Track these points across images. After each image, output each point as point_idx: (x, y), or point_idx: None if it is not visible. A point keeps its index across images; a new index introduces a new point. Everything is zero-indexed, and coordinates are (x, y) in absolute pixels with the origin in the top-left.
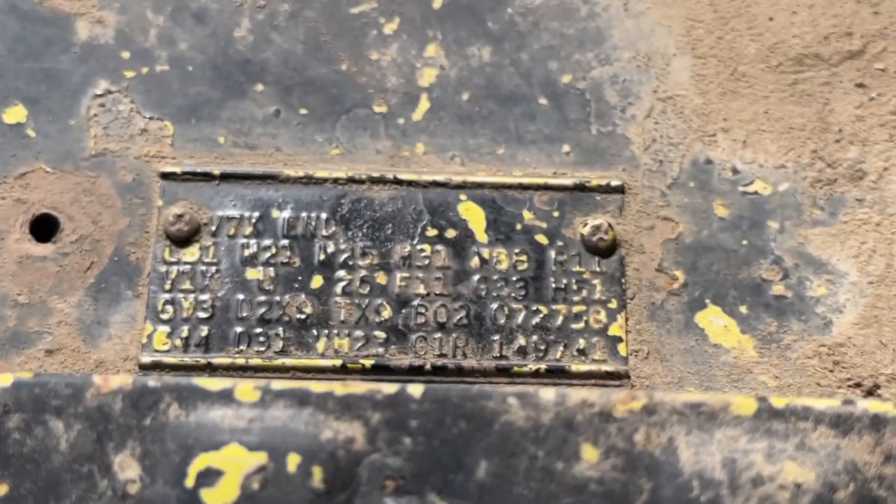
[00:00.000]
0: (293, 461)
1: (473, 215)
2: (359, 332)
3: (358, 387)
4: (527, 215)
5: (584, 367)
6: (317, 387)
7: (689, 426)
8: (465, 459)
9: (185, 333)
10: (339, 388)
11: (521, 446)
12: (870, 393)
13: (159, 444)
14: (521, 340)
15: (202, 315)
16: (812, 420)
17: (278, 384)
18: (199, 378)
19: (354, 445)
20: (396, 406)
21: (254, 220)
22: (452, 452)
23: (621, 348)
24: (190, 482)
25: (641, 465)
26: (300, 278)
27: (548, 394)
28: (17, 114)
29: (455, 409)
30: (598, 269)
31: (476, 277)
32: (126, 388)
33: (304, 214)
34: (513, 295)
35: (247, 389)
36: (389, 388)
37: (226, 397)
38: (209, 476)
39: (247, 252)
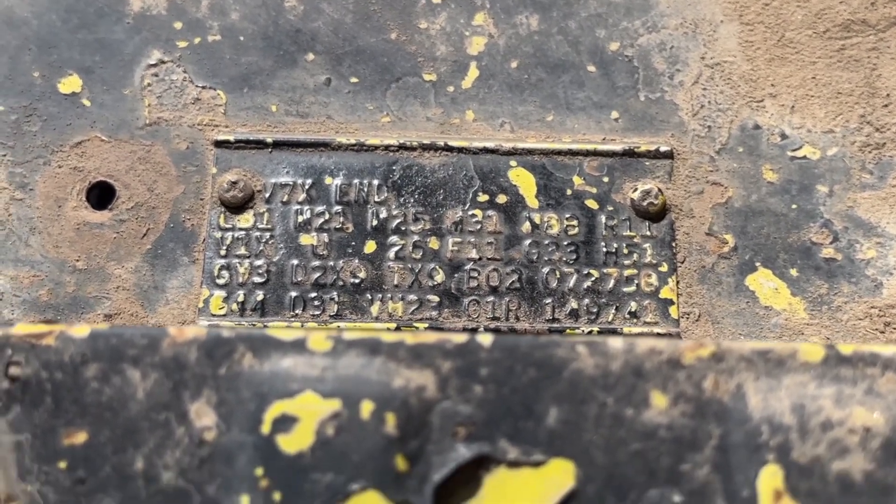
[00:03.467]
0: (366, 408)
1: (524, 181)
2: (412, 296)
3: (428, 336)
4: (577, 181)
5: (636, 330)
6: (388, 336)
7: (757, 373)
8: (534, 406)
9: (240, 298)
10: (409, 337)
11: (591, 393)
12: None
13: (234, 393)
14: (573, 303)
15: (257, 280)
16: (880, 366)
17: (350, 334)
18: (272, 328)
19: (426, 393)
20: (466, 354)
21: (307, 187)
22: (522, 400)
23: (672, 311)
24: (266, 429)
25: (710, 411)
26: (353, 243)
27: (616, 342)
28: (72, 84)
29: (524, 357)
30: (648, 233)
31: (527, 242)
32: (201, 338)
33: (356, 181)
34: (564, 259)
35: (319, 339)
36: (459, 338)
37: (298, 347)
38: (284, 422)
39: (300, 218)
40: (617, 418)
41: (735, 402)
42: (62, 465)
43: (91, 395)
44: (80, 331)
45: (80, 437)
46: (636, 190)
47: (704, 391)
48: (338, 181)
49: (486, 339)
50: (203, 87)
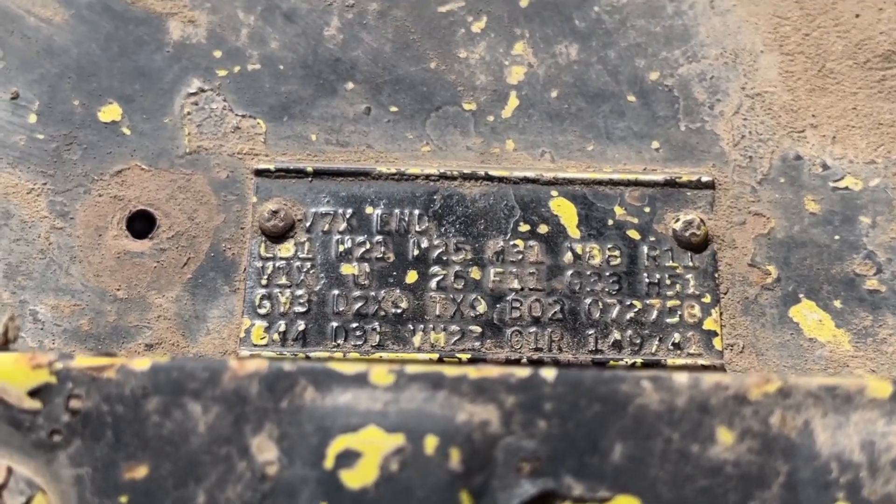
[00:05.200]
0: (430, 443)
1: (565, 211)
2: (454, 327)
3: (491, 371)
4: (618, 211)
5: (679, 361)
6: (450, 371)
7: (825, 409)
8: (599, 442)
9: (282, 328)
10: (472, 371)
11: (656, 429)
12: None
13: (296, 427)
14: (616, 335)
15: (299, 309)
16: None
17: (412, 368)
18: (334, 362)
19: (490, 428)
20: (530, 389)
21: (347, 216)
22: (587, 435)
23: (716, 342)
24: (329, 463)
25: (777, 447)
26: (395, 273)
27: (681, 377)
28: (112, 112)
29: (588, 391)
30: (690, 263)
31: (569, 272)
32: (262, 371)
33: (397, 210)
34: (606, 290)
35: (381, 373)
36: (522, 372)
37: (360, 380)
38: (348, 457)
39: (341, 247)
40: (683, 454)
41: (803, 438)
42: (123, 499)
43: (152, 428)
44: (141, 364)
45: (141, 472)
46: (678, 220)
47: (771, 427)
48: (378, 210)
49: (549, 374)
50: (243, 116)
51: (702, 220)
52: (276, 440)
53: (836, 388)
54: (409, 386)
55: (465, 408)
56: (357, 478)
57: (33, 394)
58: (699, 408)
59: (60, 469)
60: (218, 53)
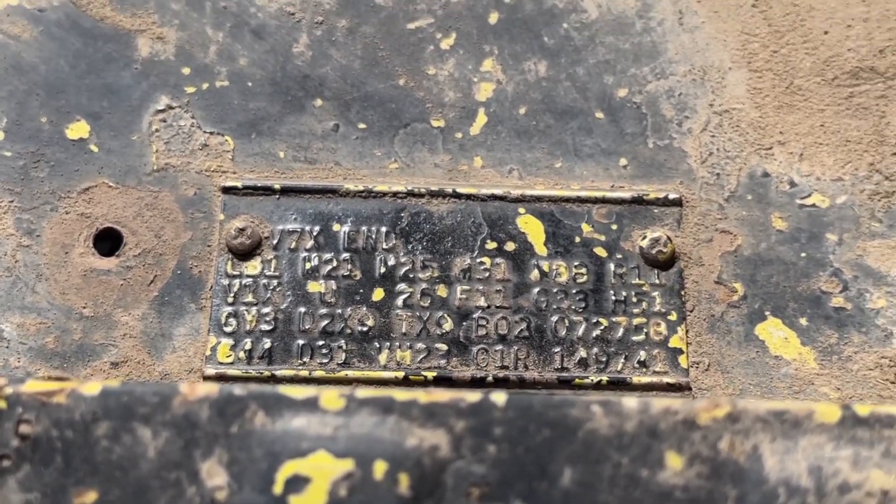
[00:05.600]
0: (380, 468)
1: (532, 228)
2: (420, 345)
3: (441, 395)
4: (585, 228)
5: (645, 379)
6: (400, 395)
7: (774, 434)
8: (549, 467)
9: (248, 346)
10: (422, 395)
11: (605, 454)
12: None
13: (246, 452)
14: (582, 352)
15: (265, 327)
16: None
17: (363, 392)
18: (284, 386)
19: (439, 453)
20: (480, 414)
21: (315, 234)
22: (537, 460)
23: (682, 360)
24: (278, 489)
25: (726, 472)
26: (361, 291)
27: (631, 402)
28: (79, 129)
29: (538, 416)
30: (657, 281)
31: (536, 290)
32: (212, 396)
33: (364, 228)
34: (573, 307)
35: (332, 397)
36: (473, 396)
37: (311, 405)
38: (297, 483)
39: (308, 265)
40: (632, 479)
41: (751, 463)
42: None
43: (102, 453)
44: (91, 388)
45: (91, 497)
46: (645, 238)
47: (720, 452)
48: (346, 228)
49: (499, 398)
50: (211, 133)
51: (668, 238)
52: (226, 465)
53: (785, 412)
54: (359, 411)
55: (414, 432)
56: (306, 503)
57: None
58: (648, 432)
59: (9, 494)
60: (186, 70)
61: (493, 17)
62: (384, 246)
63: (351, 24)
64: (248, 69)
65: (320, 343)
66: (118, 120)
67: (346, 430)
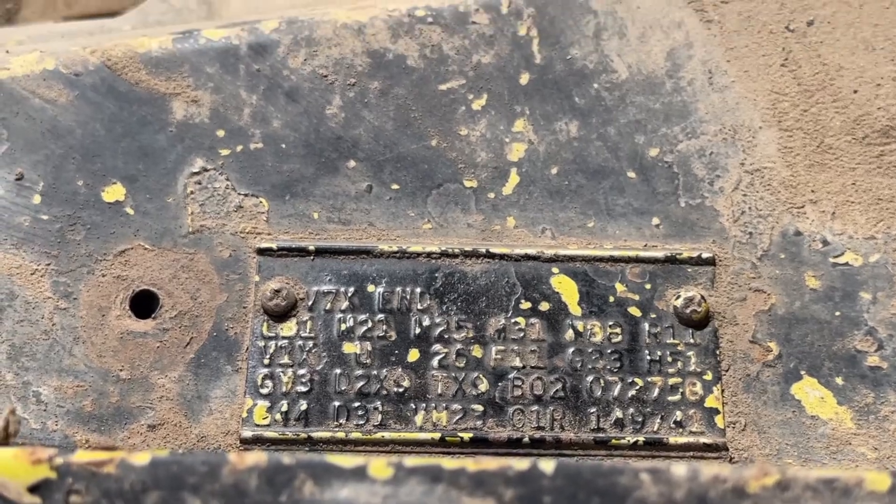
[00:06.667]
0: None
1: (566, 288)
2: (456, 406)
3: (490, 463)
4: (619, 287)
5: (681, 440)
6: (449, 464)
7: (824, 502)
8: None
9: (284, 408)
10: (470, 464)
11: None
12: None
13: None
14: (618, 413)
15: (301, 389)
16: None
17: (411, 461)
18: (332, 455)
19: None
20: (529, 482)
21: (349, 295)
22: None
23: (718, 420)
24: None
25: None
26: (397, 352)
27: (679, 469)
28: (115, 192)
29: (587, 484)
30: (692, 340)
31: (571, 350)
32: (261, 465)
33: (398, 289)
34: (608, 367)
35: (380, 466)
36: (521, 464)
37: (359, 474)
38: None
39: (343, 326)
40: None
41: None
42: None
43: None
44: (141, 458)
45: None
46: (679, 297)
47: None
48: (380, 289)
49: (548, 466)
50: (245, 195)
51: (702, 297)
52: None
53: (835, 480)
54: (407, 480)
55: (463, 501)
56: None
57: (33, 489)
58: (698, 501)
59: None
60: (221, 133)
61: (524, 78)
62: (419, 307)
63: (383, 85)
64: (281, 131)
65: (356, 404)
66: (153, 182)
67: (394, 499)
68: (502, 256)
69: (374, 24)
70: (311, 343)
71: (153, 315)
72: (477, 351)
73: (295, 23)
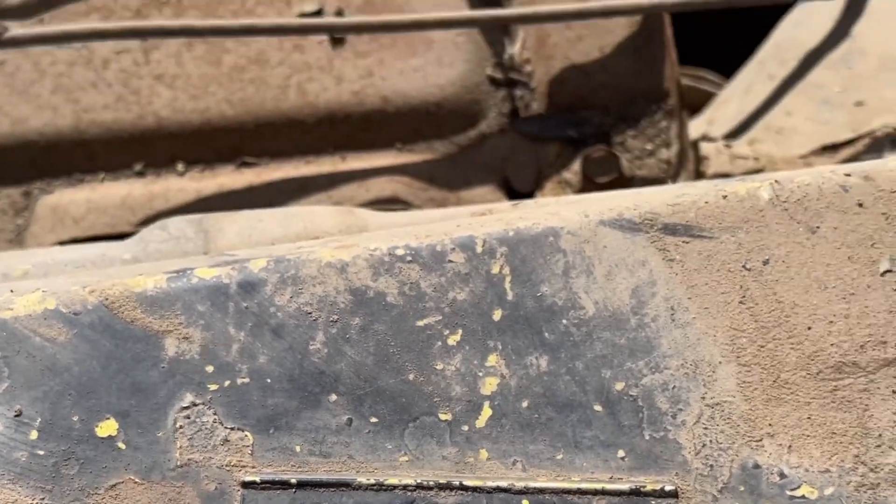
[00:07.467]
0: None
1: None
2: None
3: None
4: None
5: None
6: None
7: None
8: None
9: None
10: None
11: None
12: None
13: None
14: None
15: None
16: None
17: None
18: None
19: None
20: None
21: None
22: None
23: None
24: None
25: None
26: None
27: None
28: (109, 427)
29: None
30: None
31: None
32: None
33: None
34: None
35: None
36: None
37: None
38: None
39: None
40: None
41: None
42: None
43: None
44: None
45: None
46: None
47: None
48: None
49: None
50: (231, 429)
51: None
52: None
53: None
54: None
55: None
56: None
57: None
58: None
59: None
60: (210, 368)
61: (497, 314)
62: None
63: (364, 322)
64: (267, 366)
65: None
66: (145, 418)
67: None
68: (475, 489)
69: (356, 262)
70: None
71: None
72: None
73: (282, 262)
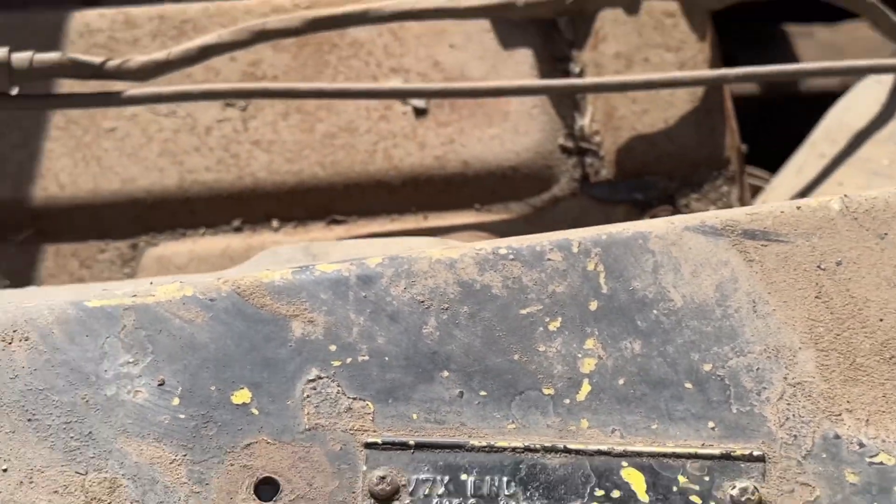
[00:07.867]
0: None
1: (635, 479)
2: None
3: None
4: (681, 479)
5: None
6: None
7: None
8: None
9: None
10: None
11: None
12: None
13: None
14: None
15: None
16: None
17: None
18: None
19: None
20: None
21: (445, 482)
22: None
23: None
24: None
25: None
26: None
27: None
28: (243, 396)
29: None
30: None
31: None
32: None
33: (488, 477)
34: None
35: None
36: None
37: None
38: None
39: None
40: None
41: None
42: None
43: None
44: None
45: None
46: (734, 487)
47: None
48: (472, 478)
49: None
50: (354, 398)
51: (755, 487)
52: None
53: None
54: None
55: None
56: None
57: None
58: None
59: None
60: (333, 347)
61: (593, 305)
62: (506, 492)
63: (472, 309)
64: (385, 346)
65: None
66: (275, 388)
67: None
68: (578, 451)
69: (463, 259)
70: None
71: (274, 499)
72: None
73: (396, 259)
